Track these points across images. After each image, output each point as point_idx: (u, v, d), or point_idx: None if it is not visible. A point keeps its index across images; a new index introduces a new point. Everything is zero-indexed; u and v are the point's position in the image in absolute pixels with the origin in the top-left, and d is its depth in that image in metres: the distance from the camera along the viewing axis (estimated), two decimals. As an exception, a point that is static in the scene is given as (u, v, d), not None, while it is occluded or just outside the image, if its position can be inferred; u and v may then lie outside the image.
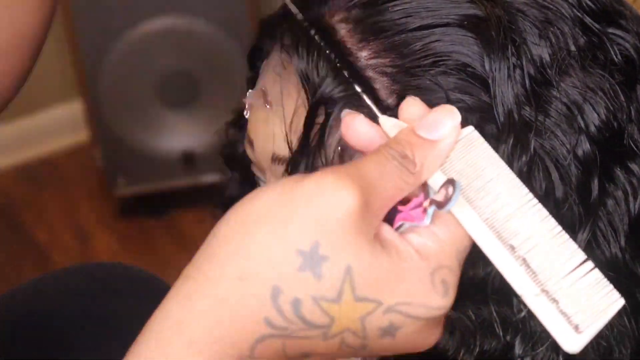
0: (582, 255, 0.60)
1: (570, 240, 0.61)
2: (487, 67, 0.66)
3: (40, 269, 2.16)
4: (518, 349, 0.70)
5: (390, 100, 0.66)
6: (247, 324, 0.56)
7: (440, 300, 0.58)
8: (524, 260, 0.59)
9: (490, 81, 0.66)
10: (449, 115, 0.61)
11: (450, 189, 0.60)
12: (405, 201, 0.61)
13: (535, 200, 0.61)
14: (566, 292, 0.59)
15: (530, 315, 0.69)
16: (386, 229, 0.59)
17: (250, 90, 0.74)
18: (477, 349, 0.69)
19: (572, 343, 0.59)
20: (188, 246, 2.13)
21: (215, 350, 0.56)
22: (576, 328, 0.59)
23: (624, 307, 0.69)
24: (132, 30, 2.10)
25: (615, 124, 0.68)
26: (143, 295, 1.02)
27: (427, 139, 0.61)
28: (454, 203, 0.60)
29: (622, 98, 0.68)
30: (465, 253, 0.61)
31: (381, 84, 0.67)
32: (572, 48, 0.68)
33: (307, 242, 0.56)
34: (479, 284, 0.68)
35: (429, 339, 0.60)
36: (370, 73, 0.67)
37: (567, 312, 0.59)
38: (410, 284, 0.58)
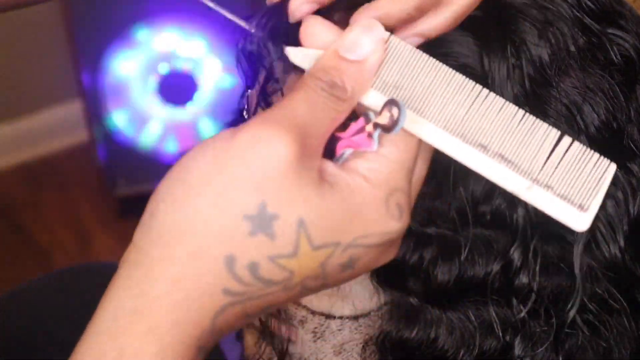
0: (556, 132, 0.58)
1: (539, 120, 0.58)
2: (486, 67, 0.66)
3: (40, 269, 2.16)
4: (518, 349, 0.70)
5: None
6: (206, 301, 0.55)
7: (396, 224, 0.57)
8: (501, 155, 0.57)
9: (489, 81, 0.66)
10: (368, 31, 0.59)
11: (395, 111, 0.57)
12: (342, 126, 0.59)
13: (486, 90, 0.58)
14: (556, 174, 0.57)
15: (530, 315, 0.69)
16: (329, 165, 0.57)
17: (250, 90, 0.74)
18: (477, 350, 0.69)
19: (580, 223, 0.57)
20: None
21: (176, 333, 0.55)
22: (580, 207, 0.57)
23: (623, 308, 0.69)
24: (132, 30, 2.10)
25: (614, 125, 0.68)
26: None
27: (353, 60, 0.58)
28: (402, 124, 0.57)
29: (622, 98, 0.68)
30: (413, 170, 0.59)
31: None
32: (572, 48, 0.68)
33: (253, 205, 0.55)
34: (479, 285, 0.68)
35: (388, 258, 0.60)
36: None
37: (566, 194, 0.57)
38: (366, 217, 0.57)
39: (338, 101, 0.57)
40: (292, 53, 0.60)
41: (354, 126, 0.58)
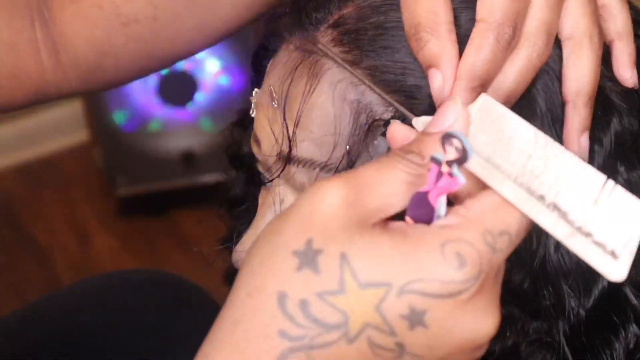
0: (603, 177, 0.58)
1: (588, 165, 0.58)
2: None
3: (40, 269, 2.16)
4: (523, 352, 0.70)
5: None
6: (263, 343, 0.55)
7: (454, 273, 0.55)
8: (554, 205, 0.57)
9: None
10: (449, 108, 0.60)
11: (456, 142, 0.58)
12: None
13: (549, 138, 0.59)
14: (596, 220, 0.57)
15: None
16: (396, 224, 0.58)
17: (256, 89, 0.74)
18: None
19: (614, 272, 0.56)
20: (188, 246, 2.13)
21: None
22: (612, 254, 0.56)
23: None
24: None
25: None
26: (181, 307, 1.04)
27: (432, 132, 0.60)
28: (469, 148, 0.58)
29: None
30: (489, 230, 0.57)
31: None
32: None
33: (301, 241, 0.56)
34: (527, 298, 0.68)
35: (478, 324, 0.56)
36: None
37: (602, 242, 0.56)
38: (418, 259, 0.55)
39: (411, 164, 0.58)
40: (415, 122, 0.63)
41: (431, 175, 0.58)
